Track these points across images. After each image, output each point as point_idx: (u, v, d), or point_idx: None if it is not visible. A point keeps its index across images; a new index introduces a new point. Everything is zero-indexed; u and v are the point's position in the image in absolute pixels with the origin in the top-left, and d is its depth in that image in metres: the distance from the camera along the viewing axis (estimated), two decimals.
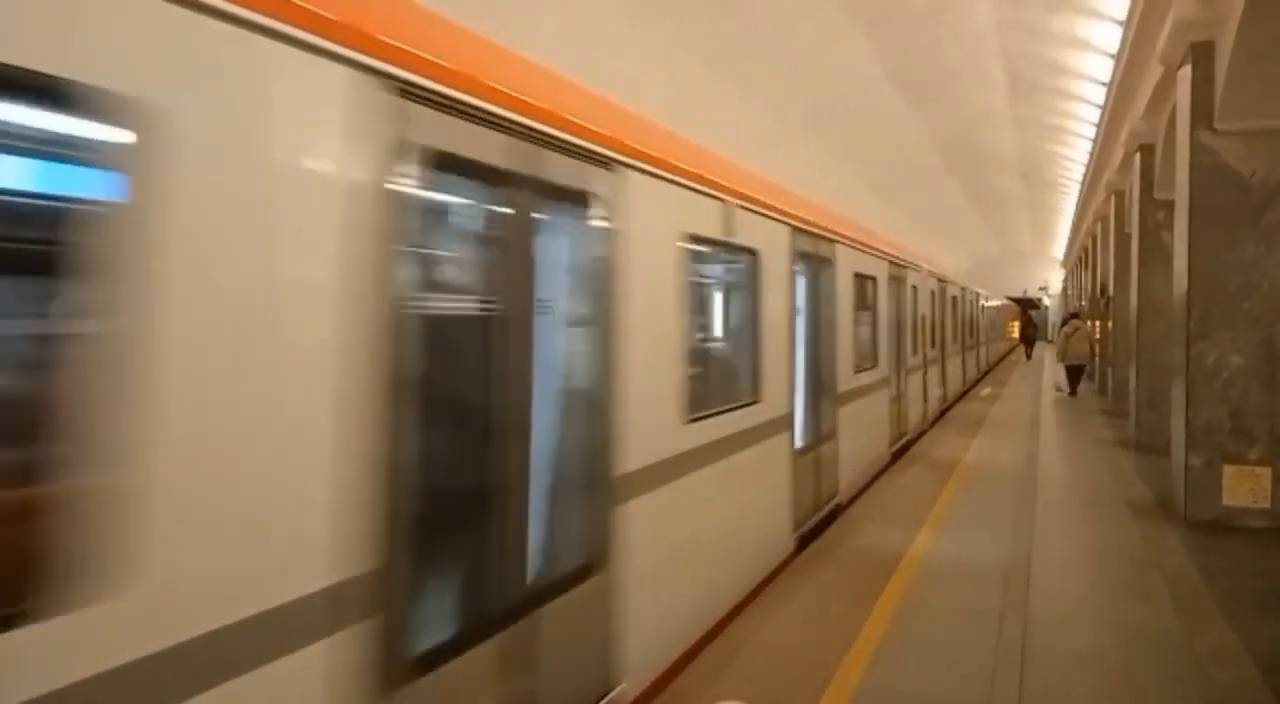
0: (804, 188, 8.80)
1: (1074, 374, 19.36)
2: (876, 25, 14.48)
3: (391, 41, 2.54)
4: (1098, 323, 20.21)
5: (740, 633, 5.04)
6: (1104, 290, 18.22)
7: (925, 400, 14.46)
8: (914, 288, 13.10)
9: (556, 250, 3.56)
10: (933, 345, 14.57)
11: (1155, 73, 9.92)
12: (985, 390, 22.12)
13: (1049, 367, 21.50)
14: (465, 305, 3.22)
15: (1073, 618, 5.28)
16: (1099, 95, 15.11)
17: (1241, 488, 7.31)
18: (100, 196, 1.85)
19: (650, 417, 4.17)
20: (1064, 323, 21.46)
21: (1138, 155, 12.15)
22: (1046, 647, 4.79)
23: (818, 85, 16.25)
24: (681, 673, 4.51)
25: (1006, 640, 4.87)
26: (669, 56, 12.58)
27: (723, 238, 5.30)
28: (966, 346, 21.16)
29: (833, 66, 15.70)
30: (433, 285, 3.09)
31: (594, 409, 3.75)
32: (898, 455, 11.53)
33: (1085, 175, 21.43)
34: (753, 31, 13.47)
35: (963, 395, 19.92)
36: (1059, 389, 20.02)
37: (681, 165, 4.65)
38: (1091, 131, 17.59)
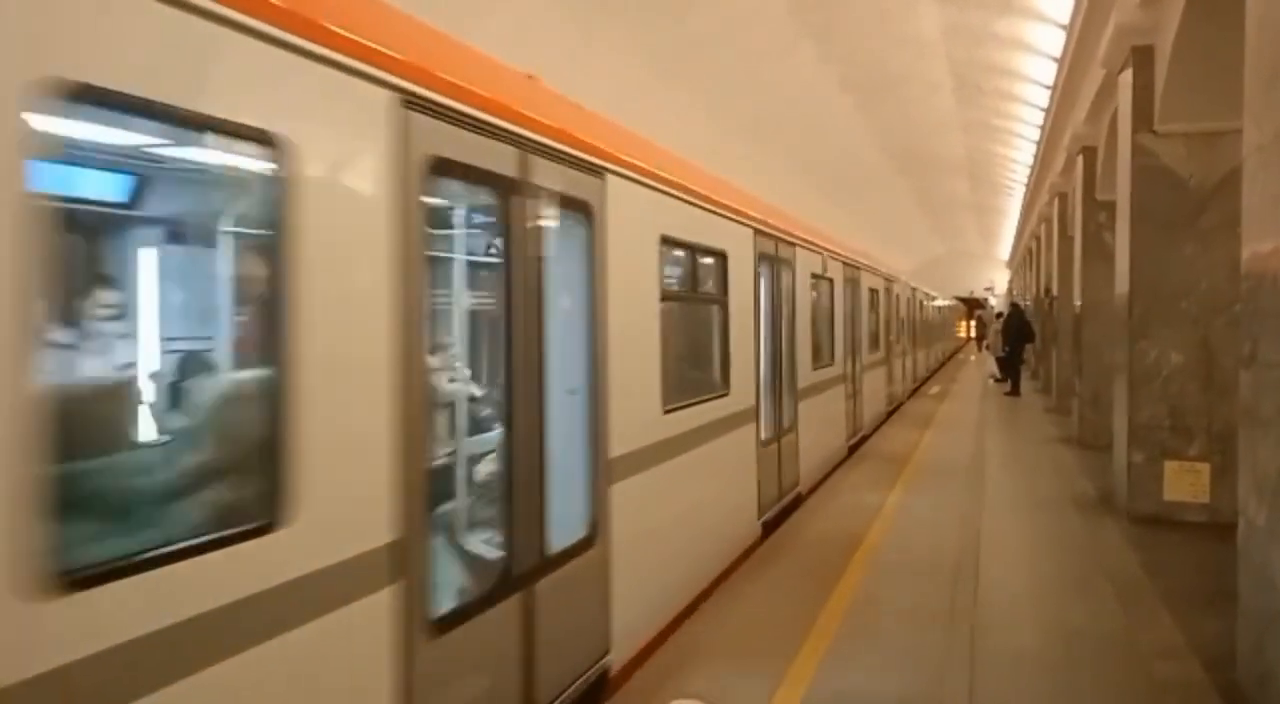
0: (756, 191, 8.83)
1: (1005, 363, 20.80)
2: (824, 32, 14.56)
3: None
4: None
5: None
6: (1048, 291, 18.60)
7: (887, 388, 15.60)
8: (870, 290, 13.33)
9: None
10: (878, 346, 14.75)
11: (1097, 76, 10.12)
12: (935, 388, 22.47)
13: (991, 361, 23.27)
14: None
15: (1018, 613, 5.35)
16: (1043, 98, 15.39)
17: (1181, 483, 7.46)
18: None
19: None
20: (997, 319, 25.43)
21: (1080, 157, 12.39)
22: (992, 643, 4.83)
23: (767, 91, 16.29)
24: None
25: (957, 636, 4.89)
26: (616, 60, 12.48)
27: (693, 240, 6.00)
28: (917, 345, 21.60)
29: (782, 73, 15.75)
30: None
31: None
32: (853, 449, 11.68)
33: (1030, 177, 21.86)
34: (703, 37, 13.44)
35: (913, 392, 20.22)
36: (993, 376, 22.15)
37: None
38: (1036, 134, 17.93)
